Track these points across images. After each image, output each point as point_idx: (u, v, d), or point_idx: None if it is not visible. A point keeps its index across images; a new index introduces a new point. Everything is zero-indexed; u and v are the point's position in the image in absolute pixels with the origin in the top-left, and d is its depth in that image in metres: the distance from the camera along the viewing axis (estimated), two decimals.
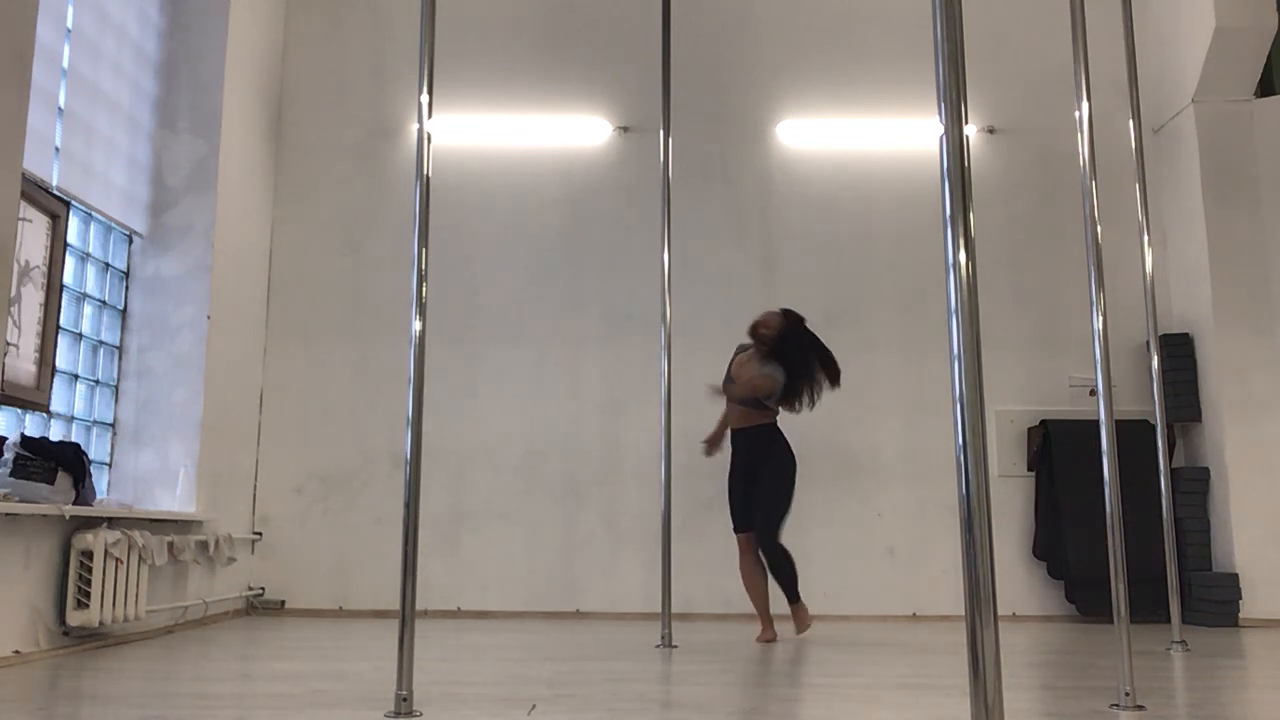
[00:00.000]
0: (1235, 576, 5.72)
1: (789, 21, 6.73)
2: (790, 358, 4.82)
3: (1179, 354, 6.17)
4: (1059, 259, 6.44)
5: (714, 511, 6.18)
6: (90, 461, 4.40)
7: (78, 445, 4.27)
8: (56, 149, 4.59)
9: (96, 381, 5.20)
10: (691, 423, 6.14)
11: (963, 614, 1.62)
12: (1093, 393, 4.60)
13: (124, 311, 5.44)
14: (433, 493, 5.91)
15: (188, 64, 5.67)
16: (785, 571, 4.80)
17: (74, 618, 4.08)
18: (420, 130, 3.02)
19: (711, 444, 5.11)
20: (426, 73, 3.05)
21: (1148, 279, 4.79)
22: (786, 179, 6.58)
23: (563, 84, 6.61)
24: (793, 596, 4.84)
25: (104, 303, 5.27)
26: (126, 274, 5.47)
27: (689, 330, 6.13)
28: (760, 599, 4.87)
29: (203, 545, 5.26)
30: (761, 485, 4.84)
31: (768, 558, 4.80)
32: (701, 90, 6.55)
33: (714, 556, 6.08)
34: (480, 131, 6.55)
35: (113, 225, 5.28)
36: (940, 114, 1.75)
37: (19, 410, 4.46)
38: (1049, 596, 6.11)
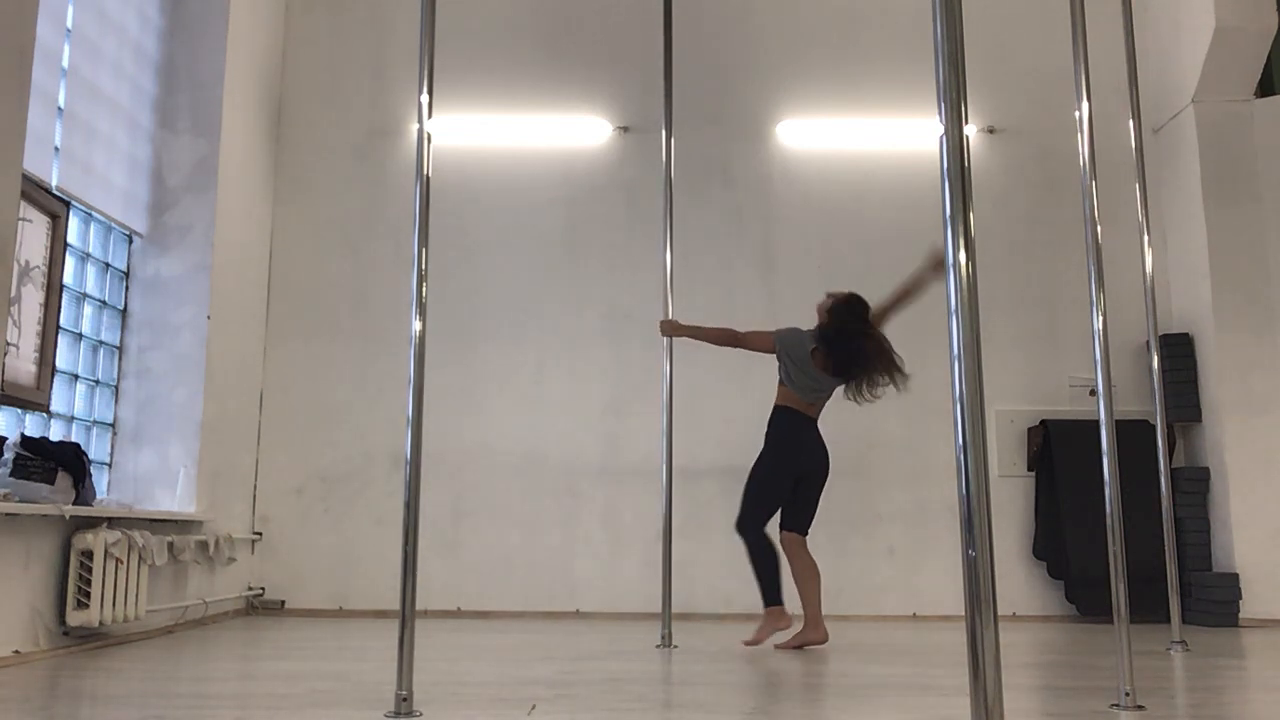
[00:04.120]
0: (1235, 576, 5.72)
1: (789, 21, 6.73)
2: (832, 345, 4.54)
3: (1179, 354, 6.17)
4: (1059, 259, 6.44)
5: (714, 511, 6.19)
6: (90, 461, 4.40)
7: (78, 445, 4.27)
8: (56, 149, 4.58)
9: (96, 381, 5.20)
10: (692, 423, 6.15)
11: (963, 614, 1.62)
12: (1093, 393, 4.60)
13: (124, 311, 5.44)
14: (433, 493, 5.90)
15: (188, 64, 5.66)
16: (757, 568, 4.50)
17: (74, 618, 4.08)
18: (420, 130, 3.02)
19: (671, 327, 4.74)
20: (426, 73, 3.05)
21: (1148, 279, 4.79)
22: (786, 179, 6.57)
23: (563, 84, 6.61)
24: (766, 598, 4.49)
25: (104, 303, 5.27)
26: (126, 274, 5.47)
27: None
28: (808, 599, 4.49)
29: (203, 545, 5.26)
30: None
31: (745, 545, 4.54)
32: (701, 90, 6.55)
33: (714, 556, 6.08)
34: (480, 131, 6.55)
35: (113, 225, 5.28)
36: (940, 114, 1.75)
37: (19, 410, 4.46)
38: (1049, 596, 6.11)
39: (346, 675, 3.46)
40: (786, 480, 4.56)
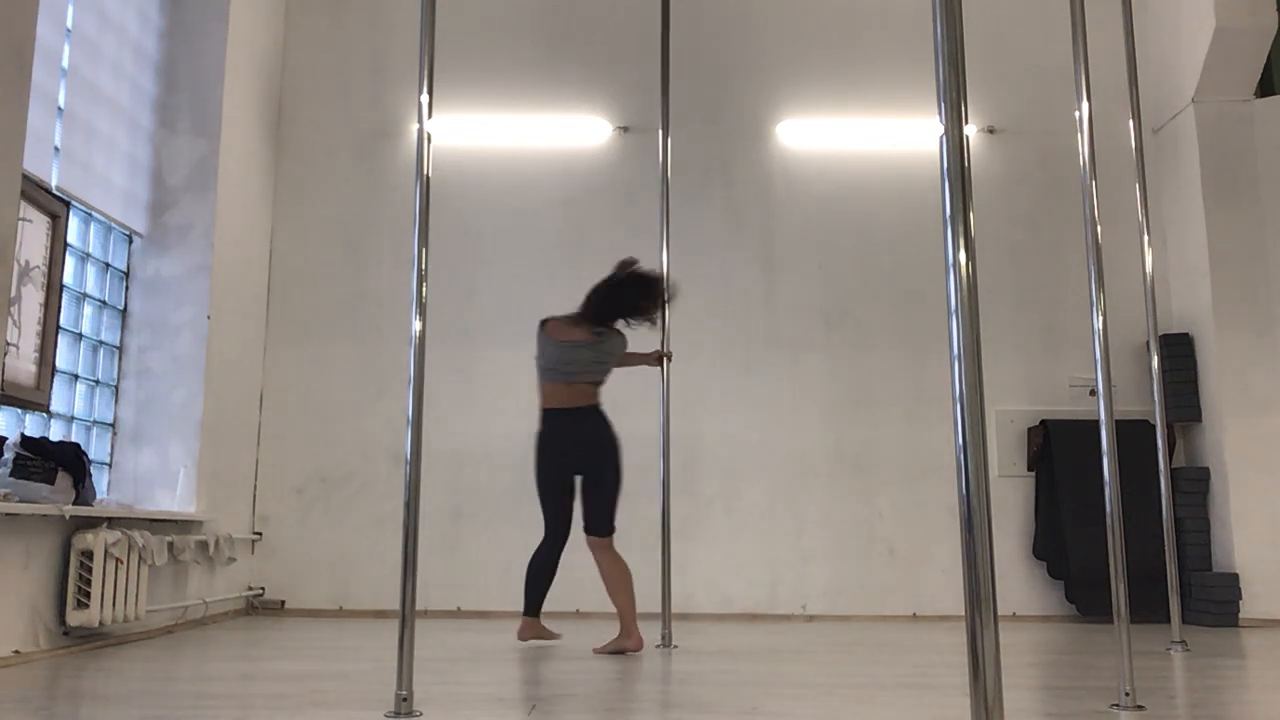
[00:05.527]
0: (1235, 576, 5.72)
1: (789, 21, 6.73)
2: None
3: (1179, 354, 6.17)
4: (1059, 259, 6.44)
5: (714, 511, 6.19)
6: (90, 461, 4.40)
7: (78, 445, 4.27)
8: (56, 149, 4.58)
9: (96, 381, 5.20)
10: (691, 422, 6.16)
11: (963, 614, 1.62)
12: (1093, 393, 4.61)
13: (124, 311, 5.44)
14: (433, 493, 5.90)
15: (188, 64, 5.66)
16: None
17: (74, 618, 4.08)
18: (420, 130, 3.02)
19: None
20: (426, 73, 3.05)
21: (1148, 279, 4.79)
22: (786, 179, 6.57)
23: (563, 84, 6.61)
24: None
25: (104, 303, 5.27)
26: (126, 274, 5.47)
27: (688, 330, 6.12)
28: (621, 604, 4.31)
29: (203, 545, 5.26)
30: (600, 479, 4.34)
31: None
32: (701, 90, 6.55)
33: (714, 557, 6.08)
34: (480, 131, 6.55)
35: (113, 225, 5.27)
36: (940, 114, 1.75)
37: (19, 410, 4.46)
38: (1049, 596, 6.11)
39: (346, 675, 3.46)
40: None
